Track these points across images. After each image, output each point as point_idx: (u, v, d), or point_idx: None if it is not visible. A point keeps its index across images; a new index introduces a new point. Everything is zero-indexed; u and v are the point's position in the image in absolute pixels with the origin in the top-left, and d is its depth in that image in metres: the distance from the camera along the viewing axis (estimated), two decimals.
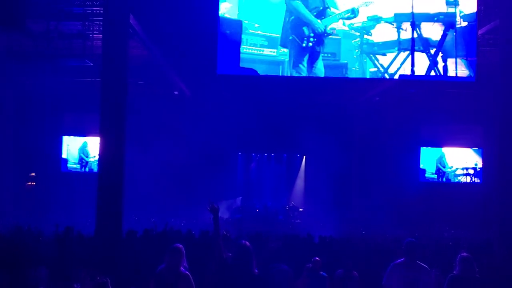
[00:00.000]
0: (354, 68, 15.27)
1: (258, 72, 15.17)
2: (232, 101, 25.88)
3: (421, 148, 27.20)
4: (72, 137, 27.33)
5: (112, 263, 11.01)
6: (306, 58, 15.11)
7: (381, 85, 21.59)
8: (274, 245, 12.55)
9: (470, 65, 15.36)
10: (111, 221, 13.96)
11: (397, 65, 15.39)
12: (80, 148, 27.24)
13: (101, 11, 15.89)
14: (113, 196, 14.15)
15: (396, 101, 25.28)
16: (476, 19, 15.30)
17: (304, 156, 29.94)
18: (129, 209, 16.42)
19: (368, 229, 20.70)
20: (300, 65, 15.11)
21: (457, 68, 15.45)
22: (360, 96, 25.35)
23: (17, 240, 13.26)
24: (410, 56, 15.33)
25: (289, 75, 15.68)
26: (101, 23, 16.05)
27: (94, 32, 17.13)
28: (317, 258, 9.86)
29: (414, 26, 15.34)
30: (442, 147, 27.10)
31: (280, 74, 15.59)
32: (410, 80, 17.13)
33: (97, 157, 25.29)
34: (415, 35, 15.20)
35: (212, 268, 6.85)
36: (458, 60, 15.36)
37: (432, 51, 15.32)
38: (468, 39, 15.28)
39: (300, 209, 28.32)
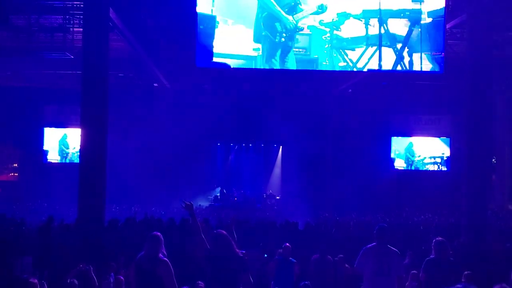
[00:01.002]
0: (324, 63, 15.34)
1: (230, 66, 15.21)
2: (211, 94, 25.95)
3: (392, 137, 27.52)
4: (53, 128, 27.02)
5: (94, 251, 10.94)
6: (278, 53, 15.16)
7: (354, 77, 21.81)
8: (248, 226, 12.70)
9: (434, 60, 15.56)
10: (93, 210, 13.88)
11: (365, 60, 15.50)
12: (61, 140, 26.99)
13: (82, 5, 15.68)
14: (95, 186, 14.05)
15: (368, 93, 25.44)
16: (444, 14, 15.48)
17: (281, 146, 30.07)
18: (110, 199, 16.42)
19: (342, 215, 20.91)
20: (273, 60, 15.14)
21: (422, 62, 15.61)
22: (333, 88, 25.53)
23: (2, 229, 13.13)
24: (378, 51, 15.44)
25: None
26: (82, 16, 15.83)
27: (74, 25, 16.87)
28: (287, 244, 9.94)
29: (381, 22, 15.46)
30: (411, 136, 27.44)
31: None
32: (382, 72, 17.24)
33: (77, 149, 25.33)
34: (382, 31, 15.33)
35: (199, 260, 6.81)
36: (423, 54, 15.54)
37: (399, 46, 15.47)
38: (433, 34, 15.46)
39: (277, 197, 28.53)
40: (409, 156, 27.37)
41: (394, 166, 27.42)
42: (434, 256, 7.79)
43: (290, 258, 9.91)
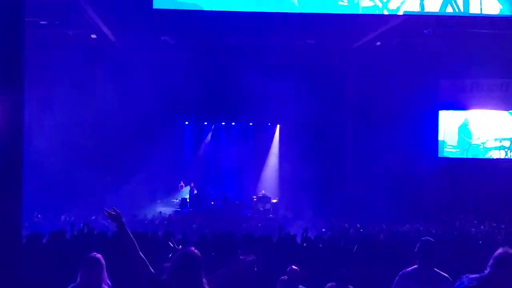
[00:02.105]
0: (341, 2, 15.18)
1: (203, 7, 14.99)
2: (174, 50, 25.88)
3: (440, 112, 27.58)
4: None
5: (6, 279, 10.81)
6: None
7: (385, 23, 21.74)
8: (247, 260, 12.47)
9: None
10: (4, 221, 13.67)
11: None
12: None
13: None
14: (7, 185, 13.82)
15: (404, 47, 25.41)
16: None
17: (278, 125, 30.13)
18: (31, 204, 16.29)
19: (367, 223, 20.82)
20: None
21: (482, 1, 15.45)
22: (354, 41, 25.49)
23: None
24: None
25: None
26: None
27: None
28: (293, 267, 9.89)
29: None
30: (467, 109, 27.47)
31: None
32: (424, 17, 17.09)
33: None
34: None
35: None
36: None
37: None
38: None
39: (274, 200, 28.53)
40: (463, 138, 27.45)
41: (442, 153, 27.38)
42: (490, 274, 7.63)
43: (300, 287, 9.90)
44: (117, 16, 22.92)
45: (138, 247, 6.46)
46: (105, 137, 26.12)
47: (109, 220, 6.81)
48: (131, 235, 6.54)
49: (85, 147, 25.77)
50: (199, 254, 6.24)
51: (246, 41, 25.35)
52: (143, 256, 6.43)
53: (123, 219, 6.45)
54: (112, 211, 6.59)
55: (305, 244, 14.13)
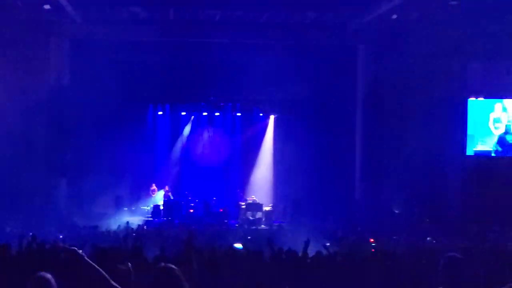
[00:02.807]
0: None
1: None
2: (144, 25, 25.90)
3: (469, 100, 27.34)
4: None
5: None
6: None
7: None
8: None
9: None
10: None
11: None
12: None
13: None
14: None
15: (425, 22, 25.36)
16: None
17: (272, 116, 30.30)
18: None
19: (381, 235, 20.90)
20: None
21: None
22: (365, 14, 25.43)
23: None
24: None
25: None
26: None
27: None
28: None
29: None
30: (503, 98, 27.44)
31: None
32: None
33: None
34: None
35: None
36: None
37: None
38: None
39: (267, 208, 28.59)
40: (496, 133, 27.30)
41: (471, 150, 27.28)
42: None
43: None
44: None
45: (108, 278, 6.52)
46: (59, 128, 25.89)
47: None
48: (96, 267, 6.61)
49: (35, 140, 25.54)
50: (179, 272, 6.33)
51: (232, 14, 25.46)
52: (103, 272, 6.52)
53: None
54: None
55: (306, 261, 14.05)
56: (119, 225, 23.74)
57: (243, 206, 28.59)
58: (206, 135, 30.92)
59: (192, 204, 29.00)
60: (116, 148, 27.17)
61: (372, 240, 20.01)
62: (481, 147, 27.27)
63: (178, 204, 28.82)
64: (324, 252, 14.74)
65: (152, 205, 28.86)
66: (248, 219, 27.77)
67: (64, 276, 7.44)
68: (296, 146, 27.46)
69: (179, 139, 30.90)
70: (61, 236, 20.22)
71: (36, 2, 24.98)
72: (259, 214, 28.03)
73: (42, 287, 6.57)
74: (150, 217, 28.20)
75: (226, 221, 27.45)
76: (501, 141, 26.99)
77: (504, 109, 27.24)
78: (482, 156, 27.22)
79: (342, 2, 24.00)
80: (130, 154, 27.94)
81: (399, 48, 26.22)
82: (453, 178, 26.44)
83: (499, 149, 27.13)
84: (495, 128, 27.25)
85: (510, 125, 26.93)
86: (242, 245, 15.78)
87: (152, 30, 26.17)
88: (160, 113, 30.23)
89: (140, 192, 29.43)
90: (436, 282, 7.85)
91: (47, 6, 25.31)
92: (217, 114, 30.59)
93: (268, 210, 28.44)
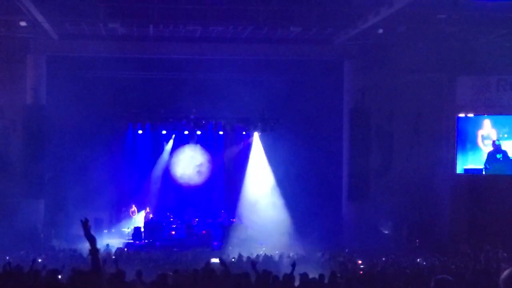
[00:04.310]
0: None
1: None
2: (124, 41, 25.89)
3: (459, 117, 27.07)
4: None
5: None
6: None
7: (389, 5, 21.80)
8: None
9: None
10: None
11: None
12: None
13: None
14: None
15: (413, 35, 25.38)
16: None
17: (256, 133, 29.97)
18: None
19: (370, 256, 20.88)
20: None
21: None
22: (350, 28, 25.32)
23: None
24: None
25: None
26: None
27: None
28: None
29: None
30: (492, 114, 27.42)
31: None
32: None
33: None
34: None
35: None
36: None
37: None
38: None
39: (251, 228, 28.39)
40: (486, 151, 27.10)
41: (461, 168, 27.19)
42: None
43: None
44: None
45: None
46: (35, 147, 25.86)
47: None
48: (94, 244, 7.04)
49: (10, 160, 25.80)
50: None
51: (213, 29, 25.29)
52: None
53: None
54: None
55: (292, 285, 13.97)
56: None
57: (232, 227, 28.39)
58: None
59: (174, 226, 28.81)
60: (95, 168, 26.96)
61: (360, 261, 19.94)
62: (471, 165, 27.25)
63: (159, 226, 28.58)
64: (311, 275, 14.65)
65: (132, 227, 28.66)
66: (232, 240, 27.34)
67: None
68: (281, 165, 27.54)
69: (160, 158, 30.68)
70: (39, 260, 20.14)
71: (12, 18, 24.86)
72: (245, 236, 27.76)
73: None
74: (131, 239, 28.04)
75: (209, 242, 27.34)
76: (491, 158, 26.86)
77: (494, 126, 27.05)
78: (472, 174, 27.16)
79: (326, 16, 23.83)
80: (109, 174, 27.76)
81: (386, 63, 26.44)
82: (443, 197, 26.51)
83: (488, 167, 27.04)
84: (485, 145, 27.15)
85: (499, 142, 26.85)
86: (219, 260, 15.64)
87: (131, 47, 26.22)
88: (140, 131, 29.88)
89: (120, 213, 29.28)
90: None
91: (23, 23, 25.17)
92: (198, 132, 30.29)
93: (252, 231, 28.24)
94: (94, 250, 6.94)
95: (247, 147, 30.69)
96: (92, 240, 6.99)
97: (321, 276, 14.81)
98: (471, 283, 14.88)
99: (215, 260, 17.32)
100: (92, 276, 6.82)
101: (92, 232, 7.13)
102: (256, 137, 30.07)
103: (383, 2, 21.82)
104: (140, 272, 14.09)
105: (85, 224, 7.01)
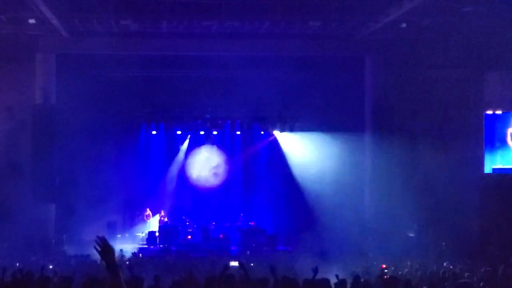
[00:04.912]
0: None
1: None
2: (136, 38, 25.87)
3: (486, 114, 26.80)
4: None
5: None
6: None
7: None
8: None
9: None
10: None
11: None
12: None
13: None
14: None
15: (437, 30, 25.19)
16: None
17: (275, 133, 29.62)
18: None
19: (394, 261, 20.62)
20: None
21: None
22: (372, 22, 25.15)
23: None
24: None
25: None
26: None
27: None
28: None
29: None
30: None
31: None
32: None
33: None
34: None
35: None
36: None
37: None
38: None
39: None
40: None
41: (489, 168, 26.85)
42: None
43: None
44: None
45: None
46: (46, 149, 25.65)
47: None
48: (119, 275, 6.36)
49: (20, 161, 25.66)
50: None
51: (230, 25, 25.03)
52: None
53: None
54: (101, 241, 6.20)
55: None
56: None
57: (247, 229, 28.57)
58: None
59: (190, 230, 28.65)
60: (107, 170, 27.02)
61: (384, 266, 19.69)
62: (500, 164, 26.95)
63: (174, 230, 28.42)
64: (334, 280, 14.44)
65: (147, 231, 28.60)
66: (251, 244, 27.56)
67: None
68: (301, 166, 27.33)
69: (175, 160, 30.54)
70: (51, 266, 19.64)
71: (20, 15, 24.76)
72: (261, 239, 27.83)
73: None
74: (145, 244, 27.99)
75: (227, 247, 27.18)
76: None
77: None
78: (501, 174, 26.80)
79: (347, 9, 23.63)
80: (122, 177, 27.75)
81: (409, 59, 26.14)
82: (470, 198, 26.03)
83: None
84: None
85: None
86: (238, 263, 15.60)
87: (144, 44, 26.18)
88: (154, 132, 29.84)
89: (134, 217, 29.21)
90: None
91: (31, 20, 25.08)
92: (215, 132, 30.22)
93: (272, 234, 28.24)
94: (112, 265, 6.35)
95: (266, 147, 30.53)
96: (110, 260, 6.31)
97: (343, 281, 14.63)
98: None
99: (234, 263, 16.88)
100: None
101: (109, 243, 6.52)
102: (277, 136, 29.88)
103: None
104: (158, 278, 13.93)
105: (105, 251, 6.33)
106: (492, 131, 26.88)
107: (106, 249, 6.24)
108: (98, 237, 6.28)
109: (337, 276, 14.54)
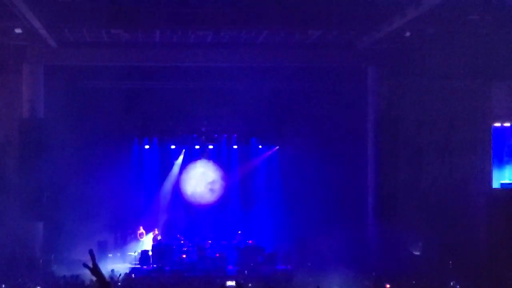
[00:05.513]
0: None
1: None
2: (127, 47, 25.60)
3: (494, 126, 26.61)
4: None
5: None
6: None
7: (418, 3, 20.94)
8: None
9: None
10: None
11: None
12: None
13: None
14: None
15: (443, 38, 24.73)
16: None
17: (275, 147, 29.62)
18: None
19: (399, 280, 20.80)
20: None
21: None
22: (374, 31, 24.75)
23: None
24: None
25: None
26: None
27: None
28: None
29: None
30: None
31: None
32: None
33: None
34: None
35: None
36: None
37: None
38: None
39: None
40: None
41: (498, 182, 26.53)
42: None
43: None
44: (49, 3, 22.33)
45: None
46: (33, 165, 25.26)
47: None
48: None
49: (6, 178, 25.55)
50: None
51: (226, 34, 24.86)
52: None
53: None
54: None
55: None
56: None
57: (244, 247, 28.24)
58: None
59: (185, 249, 28.32)
60: (98, 186, 26.77)
61: (388, 286, 20.07)
62: (509, 180, 26.68)
63: (169, 249, 28.12)
64: None
65: (139, 251, 28.25)
66: (249, 263, 27.27)
67: None
68: (301, 181, 27.26)
69: (169, 175, 30.27)
70: None
71: (6, 25, 24.40)
72: (260, 258, 27.55)
73: None
74: (138, 264, 27.66)
75: (223, 266, 26.89)
76: None
77: None
78: (510, 189, 26.54)
79: (348, 18, 23.36)
80: (114, 193, 27.40)
81: (414, 69, 25.98)
82: (478, 214, 25.80)
83: None
84: None
85: None
86: (236, 283, 15.67)
87: (136, 55, 26.01)
88: (146, 146, 29.56)
89: (126, 236, 28.87)
90: None
91: (18, 30, 24.78)
92: (210, 147, 29.92)
93: (270, 253, 27.99)
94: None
95: (264, 162, 30.33)
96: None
97: None
98: None
99: (231, 283, 17.68)
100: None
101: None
102: (273, 152, 29.83)
103: (410, 2, 21.11)
104: None
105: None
106: (501, 145, 26.77)
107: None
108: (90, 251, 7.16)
109: None
